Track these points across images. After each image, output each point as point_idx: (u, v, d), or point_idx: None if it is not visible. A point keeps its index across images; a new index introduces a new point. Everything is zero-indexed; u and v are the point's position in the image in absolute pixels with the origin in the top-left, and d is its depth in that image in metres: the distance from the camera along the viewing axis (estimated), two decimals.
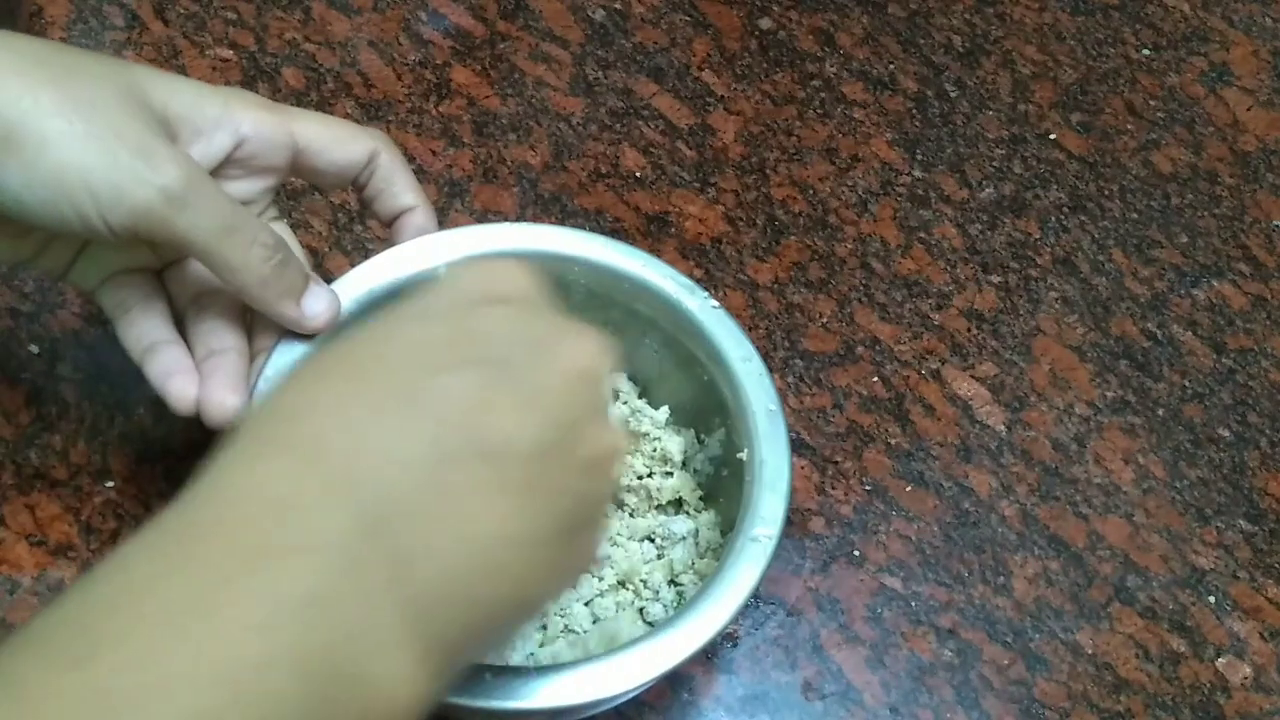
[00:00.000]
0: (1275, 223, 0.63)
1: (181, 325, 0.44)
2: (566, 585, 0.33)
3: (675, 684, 0.48)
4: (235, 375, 0.42)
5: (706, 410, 0.47)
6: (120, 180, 0.36)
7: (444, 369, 0.30)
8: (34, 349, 0.53)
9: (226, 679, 0.24)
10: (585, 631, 0.45)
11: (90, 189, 0.36)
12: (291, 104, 0.61)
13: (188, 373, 0.42)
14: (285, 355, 0.43)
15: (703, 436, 0.48)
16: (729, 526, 0.44)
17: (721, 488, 0.47)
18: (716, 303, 0.46)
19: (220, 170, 0.42)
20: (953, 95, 0.65)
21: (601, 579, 0.46)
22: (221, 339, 0.42)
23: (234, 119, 0.41)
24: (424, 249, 0.46)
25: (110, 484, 0.50)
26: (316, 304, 0.42)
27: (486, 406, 0.29)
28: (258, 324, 0.44)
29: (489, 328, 0.31)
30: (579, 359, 0.31)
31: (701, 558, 0.46)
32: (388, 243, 0.57)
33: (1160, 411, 0.56)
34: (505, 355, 0.30)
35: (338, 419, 0.29)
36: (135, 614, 0.25)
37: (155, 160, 0.37)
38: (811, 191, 0.61)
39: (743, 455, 0.44)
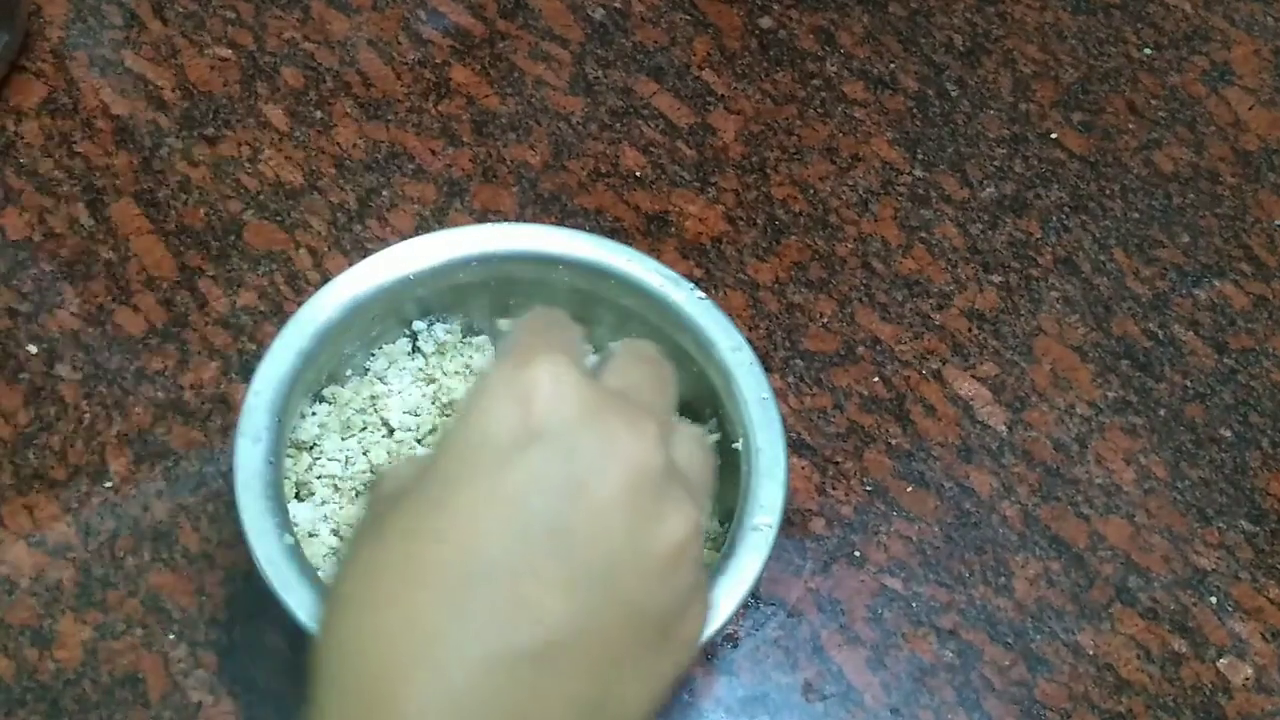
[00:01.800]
0: (1277, 222, 0.63)
1: None
2: (668, 693, 0.32)
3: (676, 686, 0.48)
4: None
5: (698, 402, 0.47)
6: None
7: (486, 574, 0.28)
8: (32, 349, 0.53)
9: None
10: None
11: None
12: (290, 103, 0.61)
13: None
14: (280, 358, 0.43)
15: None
16: (727, 517, 0.44)
17: (718, 479, 0.47)
18: (703, 294, 0.46)
19: None
20: (953, 94, 0.65)
21: None
22: None
23: None
24: (412, 251, 0.46)
25: (109, 484, 0.50)
26: None
27: (528, 603, 0.28)
28: None
29: (524, 484, 0.29)
30: (626, 467, 0.30)
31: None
32: (385, 243, 0.57)
33: (1162, 412, 0.56)
34: (546, 515, 0.29)
35: (396, 656, 0.28)
36: None
37: None
38: (812, 191, 0.61)
39: (738, 445, 0.44)
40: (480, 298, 0.48)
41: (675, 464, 0.32)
